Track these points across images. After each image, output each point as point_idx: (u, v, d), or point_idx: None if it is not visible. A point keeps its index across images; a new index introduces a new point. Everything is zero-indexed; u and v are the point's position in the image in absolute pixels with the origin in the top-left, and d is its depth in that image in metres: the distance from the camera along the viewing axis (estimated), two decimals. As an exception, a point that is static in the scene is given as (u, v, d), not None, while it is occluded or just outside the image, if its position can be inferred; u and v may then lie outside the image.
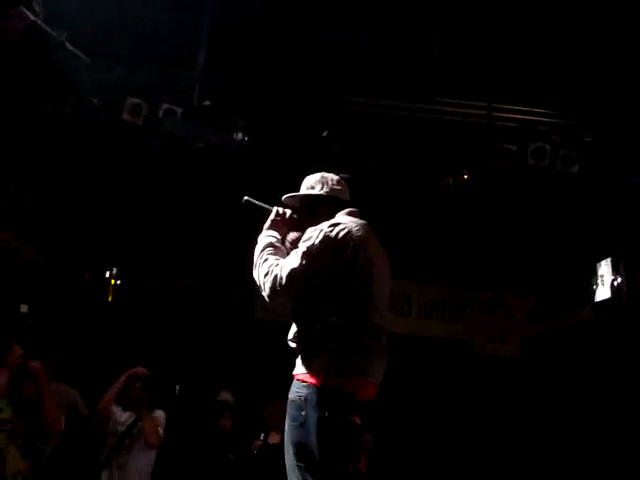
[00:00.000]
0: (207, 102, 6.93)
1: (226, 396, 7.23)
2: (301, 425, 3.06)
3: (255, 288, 3.34)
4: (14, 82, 6.27)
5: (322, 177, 3.59)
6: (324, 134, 7.08)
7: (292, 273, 3.14)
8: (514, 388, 9.20)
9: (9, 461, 4.52)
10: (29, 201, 7.97)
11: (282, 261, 3.24)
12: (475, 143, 7.28)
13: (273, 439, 6.62)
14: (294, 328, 3.32)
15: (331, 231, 3.22)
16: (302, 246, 3.22)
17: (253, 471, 6.52)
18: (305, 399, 3.08)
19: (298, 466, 3.06)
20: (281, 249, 3.41)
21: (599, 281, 7.95)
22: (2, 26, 5.33)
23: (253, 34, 6.70)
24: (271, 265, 3.23)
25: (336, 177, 3.63)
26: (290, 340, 3.32)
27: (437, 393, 9.23)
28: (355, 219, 3.40)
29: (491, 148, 7.13)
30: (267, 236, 3.45)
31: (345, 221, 3.33)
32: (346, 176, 7.14)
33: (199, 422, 7.04)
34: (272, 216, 3.53)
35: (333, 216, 3.40)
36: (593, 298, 8.05)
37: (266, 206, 3.61)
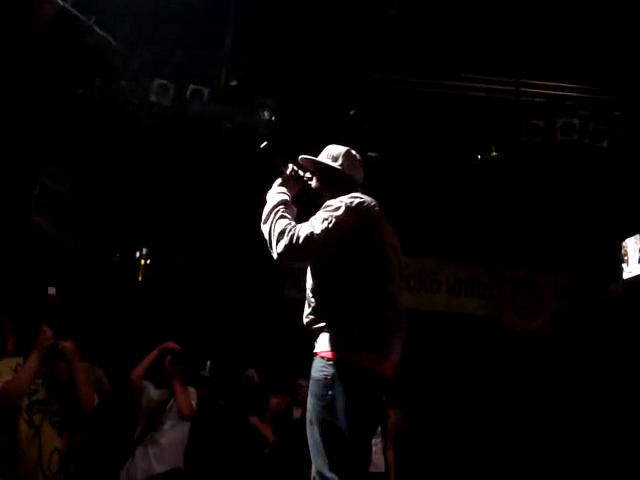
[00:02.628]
0: (234, 82, 6.95)
1: (250, 373, 7.32)
2: (329, 404, 3.07)
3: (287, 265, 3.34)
4: (45, 67, 6.34)
5: (347, 152, 3.59)
6: (351, 113, 7.08)
7: (310, 236, 3.13)
8: (543, 364, 9.18)
9: (45, 439, 4.63)
10: (61, 184, 8.07)
11: (302, 224, 3.22)
12: (503, 119, 7.23)
13: (296, 414, 6.70)
14: (312, 309, 3.30)
15: (351, 203, 3.25)
16: (323, 213, 3.22)
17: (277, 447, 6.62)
18: (332, 378, 3.08)
19: (324, 444, 3.07)
20: (293, 209, 3.39)
21: (628, 257, 7.90)
22: (33, 13, 5.39)
23: (280, 13, 6.67)
24: (288, 224, 3.21)
25: (359, 157, 3.63)
26: (307, 322, 3.33)
27: (466, 369, 9.24)
28: (369, 197, 3.41)
29: (519, 124, 7.09)
30: (280, 193, 3.43)
31: (363, 196, 3.36)
32: (373, 154, 7.25)
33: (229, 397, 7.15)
34: (287, 173, 3.52)
35: (344, 192, 3.39)
36: (622, 274, 8.00)
37: (281, 160, 3.58)
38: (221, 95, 6.94)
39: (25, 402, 4.59)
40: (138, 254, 9.56)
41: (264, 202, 3.46)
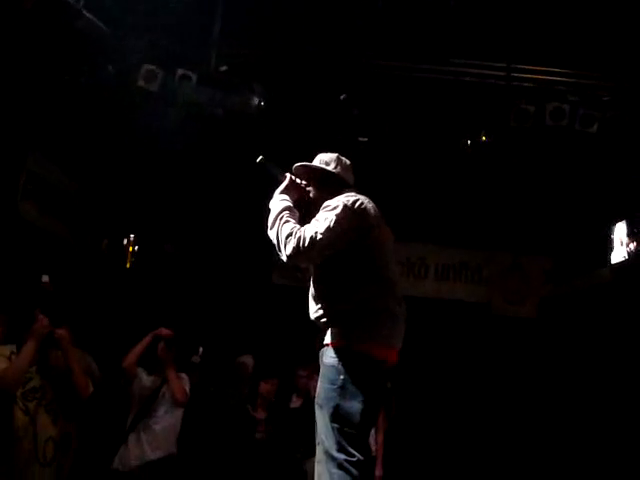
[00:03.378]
0: (224, 67, 6.91)
1: (244, 359, 7.32)
2: (340, 388, 3.23)
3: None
4: (33, 52, 6.26)
5: (338, 157, 3.77)
6: (342, 97, 7.07)
7: (315, 236, 3.27)
8: (532, 350, 9.22)
9: (40, 427, 4.63)
10: (48, 171, 8.00)
11: (306, 225, 3.37)
12: (493, 104, 7.23)
13: (295, 403, 6.71)
14: (319, 305, 3.47)
15: (348, 201, 3.43)
16: (323, 213, 3.38)
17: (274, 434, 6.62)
18: (344, 364, 3.25)
19: (333, 427, 3.21)
20: (297, 213, 3.54)
21: (615, 243, 7.94)
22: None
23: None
24: (293, 227, 3.35)
25: (349, 161, 3.81)
26: (317, 317, 3.47)
27: (455, 355, 9.27)
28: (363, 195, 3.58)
29: (509, 109, 7.10)
30: (282, 200, 3.57)
31: (358, 195, 3.54)
32: (364, 139, 7.25)
33: (221, 384, 7.14)
34: (286, 182, 3.65)
35: (340, 193, 3.55)
36: (610, 260, 8.04)
37: (278, 170, 3.71)
38: (210, 80, 6.89)
39: (20, 390, 4.58)
40: (126, 241, 9.49)
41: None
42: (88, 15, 5.97)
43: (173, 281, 9.34)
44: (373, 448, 6.87)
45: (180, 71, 6.93)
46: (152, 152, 8.13)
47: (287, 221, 3.40)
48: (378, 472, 7.10)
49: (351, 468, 3.12)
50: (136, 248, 9.62)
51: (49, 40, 6.23)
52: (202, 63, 6.92)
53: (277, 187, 3.66)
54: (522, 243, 9.73)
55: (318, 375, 3.42)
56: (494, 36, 6.90)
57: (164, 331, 5.96)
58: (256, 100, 6.90)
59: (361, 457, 3.16)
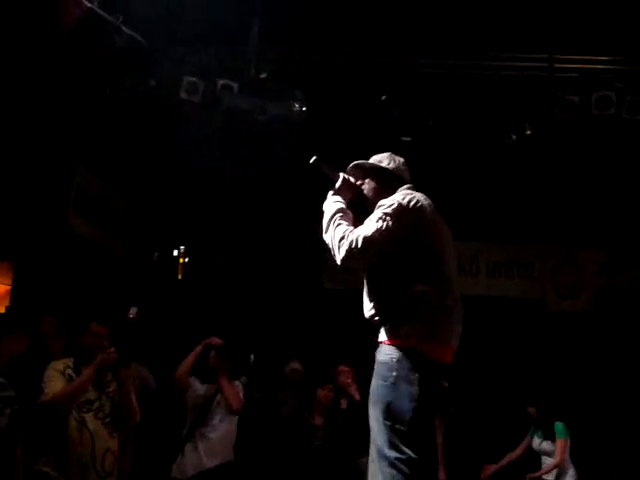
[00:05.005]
0: (264, 74, 6.94)
1: (295, 365, 7.32)
2: (393, 385, 3.19)
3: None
4: (78, 70, 6.37)
5: (390, 155, 3.70)
6: (383, 98, 7.05)
7: (369, 238, 3.24)
8: (589, 344, 9.05)
9: (97, 440, 4.67)
10: (96, 186, 8.13)
11: (359, 227, 3.33)
12: (536, 96, 7.13)
13: (343, 404, 6.68)
14: (373, 302, 3.41)
15: (404, 200, 3.37)
16: (378, 213, 3.33)
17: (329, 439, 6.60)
18: (398, 361, 3.21)
19: (385, 424, 3.17)
20: (349, 215, 3.49)
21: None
22: (61, 15, 5.41)
23: (305, 2, 6.63)
24: (346, 230, 3.32)
25: (402, 159, 3.74)
26: (372, 314, 3.41)
27: (510, 353, 9.14)
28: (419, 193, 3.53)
29: (553, 100, 6.99)
30: (336, 202, 3.52)
31: (414, 193, 3.47)
32: (407, 139, 7.20)
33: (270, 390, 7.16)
34: (339, 182, 3.60)
35: (396, 191, 3.51)
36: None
37: (332, 170, 3.64)
38: (251, 88, 6.93)
39: (74, 401, 4.64)
40: (176, 252, 9.59)
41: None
42: (127, 30, 6.05)
43: (224, 290, 9.40)
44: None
45: (221, 81, 6.99)
46: (197, 163, 8.21)
47: (339, 224, 3.37)
48: (442, 476, 7.03)
49: (403, 466, 3.08)
50: (187, 259, 9.72)
51: (92, 57, 6.33)
52: (242, 71, 6.94)
53: (331, 188, 3.62)
54: (574, 236, 9.58)
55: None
56: (534, 27, 6.79)
57: (215, 340, 6.01)
58: (297, 106, 6.90)
59: (413, 455, 3.10)
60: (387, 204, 3.34)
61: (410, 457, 3.10)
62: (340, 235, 3.31)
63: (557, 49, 7.03)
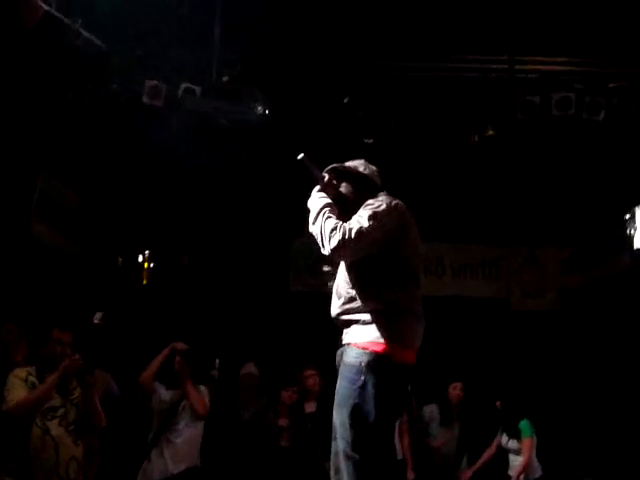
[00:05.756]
0: (225, 78, 6.93)
1: (250, 369, 7.26)
2: (360, 388, 3.26)
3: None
4: (34, 74, 6.30)
5: (365, 162, 3.81)
6: (345, 100, 7.07)
7: (361, 230, 3.32)
8: (555, 342, 9.13)
9: (62, 447, 4.62)
10: (58, 191, 8.03)
11: (349, 221, 3.41)
12: (497, 97, 7.19)
13: (310, 408, 6.68)
14: (345, 301, 3.48)
15: (390, 202, 3.48)
16: (367, 210, 3.42)
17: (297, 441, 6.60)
18: (366, 365, 3.28)
19: (349, 426, 3.24)
20: (336, 210, 3.56)
21: (634, 229, 7.86)
22: (19, 13, 5.33)
23: (268, 4, 6.61)
24: (338, 222, 3.39)
25: (375, 167, 3.84)
26: (340, 313, 3.49)
27: (476, 352, 9.19)
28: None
29: (514, 101, 7.06)
30: (322, 197, 3.61)
31: (395, 198, 3.58)
32: (369, 141, 7.23)
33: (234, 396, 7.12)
34: (325, 181, 3.69)
35: (372, 195, 3.60)
36: (630, 246, 7.95)
37: (316, 169, 3.71)
38: (213, 92, 6.91)
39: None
40: (141, 257, 9.52)
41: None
42: (86, 34, 5.99)
43: (189, 294, 9.35)
44: (399, 452, 6.86)
45: (184, 85, 6.95)
46: (160, 167, 8.16)
47: (329, 217, 3.44)
48: (410, 475, 7.08)
49: (366, 467, 3.15)
50: (152, 264, 9.65)
51: (52, 61, 6.26)
52: (203, 74, 6.91)
53: (314, 185, 3.70)
54: (537, 236, 9.68)
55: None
56: (494, 29, 6.85)
57: (179, 345, 5.99)
58: (260, 108, 6.90)
59: (378, 457, 3.20)
60: (376, 204, 3.45)
61: (376, 459, 3.19)
62: (332, 226, 3.37)
63: (517, 50, 7.09)
